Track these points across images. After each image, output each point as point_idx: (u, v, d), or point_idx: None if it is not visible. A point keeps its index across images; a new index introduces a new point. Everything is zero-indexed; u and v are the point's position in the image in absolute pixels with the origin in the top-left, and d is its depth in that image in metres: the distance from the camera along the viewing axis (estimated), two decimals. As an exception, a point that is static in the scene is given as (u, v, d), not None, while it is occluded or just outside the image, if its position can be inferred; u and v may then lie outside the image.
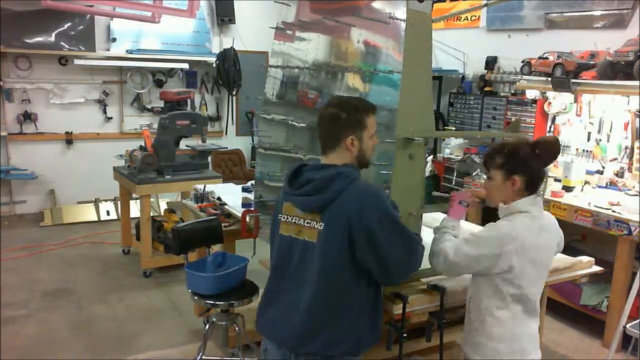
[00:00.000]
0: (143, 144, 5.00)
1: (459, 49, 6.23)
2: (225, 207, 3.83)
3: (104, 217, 6.71)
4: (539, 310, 2.19)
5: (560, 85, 4.54)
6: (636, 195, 4.15)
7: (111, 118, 6.96)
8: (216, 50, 7.41)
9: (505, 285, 2.06)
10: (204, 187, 4.19)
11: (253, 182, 3.72)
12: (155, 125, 5.35)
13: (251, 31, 7.48)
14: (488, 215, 4.60)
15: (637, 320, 3.19)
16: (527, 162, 2.07)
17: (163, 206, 6.42)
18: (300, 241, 1.97)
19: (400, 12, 2.28)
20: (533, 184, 2.09)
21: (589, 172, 4.60)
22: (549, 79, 4.64)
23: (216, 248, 3.51)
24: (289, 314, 1.97)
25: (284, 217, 2.05)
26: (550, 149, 2.11)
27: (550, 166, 5.03)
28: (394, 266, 1.93)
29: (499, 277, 2.06)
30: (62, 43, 6.45)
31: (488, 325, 2.11)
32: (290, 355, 1.96)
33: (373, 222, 1.86)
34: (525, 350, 2.12)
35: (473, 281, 2.20)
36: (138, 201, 5.02)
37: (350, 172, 1.94)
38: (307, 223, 1.96)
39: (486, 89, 5.87)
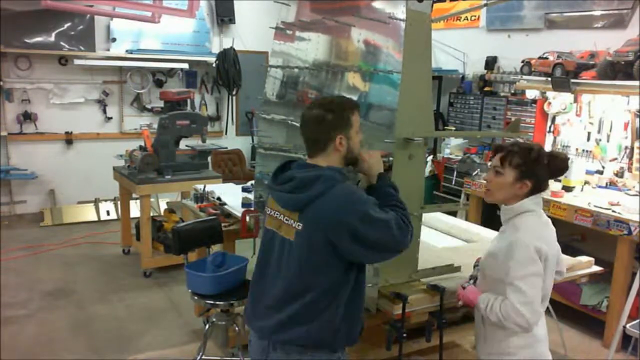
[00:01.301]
0: (143, 144, 5.00)
1: (459, 49, 6.23)
2: (225, 207, 3.83)
3: (104, 217, 6.71)
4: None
5: (560, 85, 4.54)
6: (636, 195, 4.15)
7: (111, 118, 6.96)
8: (216, 50, 7.41)
9: None
10: (204, 187, 4.19)
11: (253, 182, 3.73)
12: (155, 125, 5.35)
13: (251, 31, 7.48)
14: (488, 214, 4.62)
15: (637, 320, 3.19)
16: (542, 171, 2.10)
17: (163, 206, 6.41)
18: (279, 236, 1.98)
19: (400, 12, 2.28)
20: (536, 192, 2.12)
21: (588, 172, 4.60)
22: (549, 79, 4.64)
23: (216, 248, 3.51)
24: (268, 307, 1.99)
25: (269, 211, 2.06)
26: (560, 165, 2.14)
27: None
28: (386, 247, 1.91)
29: None
30: (62, 43, 6.45)
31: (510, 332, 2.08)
32: (268, 346, 1.98)
33: (355, 222, 1.84)
34: (544, 353, 2.15)
35: (490, 290, 2.13)
36: (138, 201, 5.02)
37: (333, 174, 1.92)
38: (286, 220, 1.95)
39: (486, 89, 5.87)
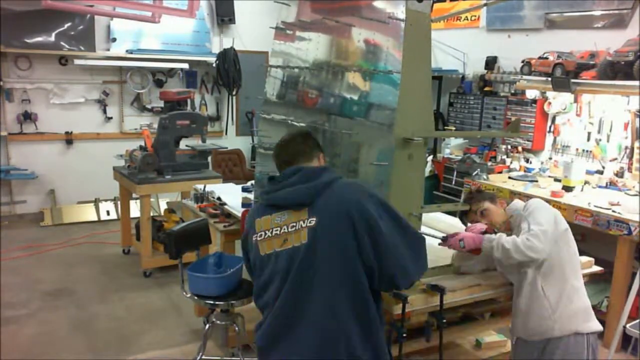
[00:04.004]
0: (143, 144, 5.00)
1: (459, 49, 6.23)
2: (225, 207, 3.83)
3: (104, 217, 6.71)
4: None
5: (560, 85, 4.54)
6: (636, 195, 4.15)
7: (111, 118, 6.96)
8: (216, 50, 7.41)
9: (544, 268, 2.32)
10: (204, 187, 4.19)
11: (253, 182, 3.73)
12: (155, 125, 5.35)
13: (251, 31, 7.48)
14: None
15: (637, 320, 3.19)
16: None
17: (163, 206, 6.42)
18: (287, 251, 1.78)
19: (400, 12, 2.28)
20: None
21: (589, 172, 4.61)
22: (549, 79, 4.64)
23: (215, 248, 3.50)
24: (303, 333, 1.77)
25: (260, 236, 1.86)
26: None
27: (550, 166, 5.07)
28: (400, 263, 1.78)
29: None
30: (62, 43, 6.45)
31: (542, 304, 2.34)
32: None
33: (373, 210, 1.76)
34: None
35: (518, 274, 2.39)
36: (138, 201, 5.02)
37: (333, 169, 1.98)
38: (292, 227, 1.79)
39: (486, 89, 5.87)
